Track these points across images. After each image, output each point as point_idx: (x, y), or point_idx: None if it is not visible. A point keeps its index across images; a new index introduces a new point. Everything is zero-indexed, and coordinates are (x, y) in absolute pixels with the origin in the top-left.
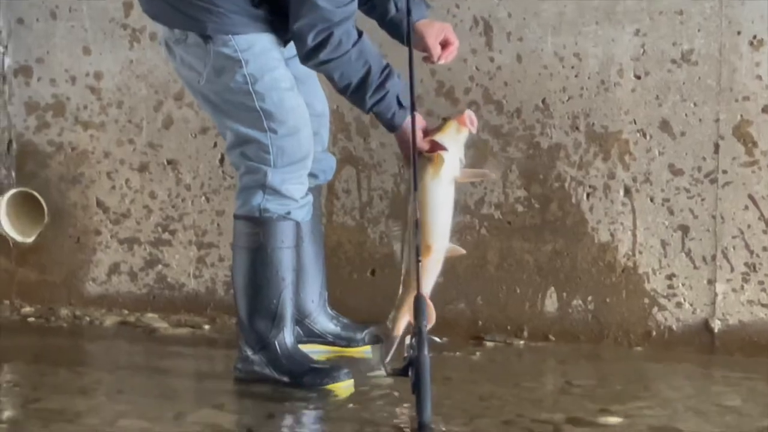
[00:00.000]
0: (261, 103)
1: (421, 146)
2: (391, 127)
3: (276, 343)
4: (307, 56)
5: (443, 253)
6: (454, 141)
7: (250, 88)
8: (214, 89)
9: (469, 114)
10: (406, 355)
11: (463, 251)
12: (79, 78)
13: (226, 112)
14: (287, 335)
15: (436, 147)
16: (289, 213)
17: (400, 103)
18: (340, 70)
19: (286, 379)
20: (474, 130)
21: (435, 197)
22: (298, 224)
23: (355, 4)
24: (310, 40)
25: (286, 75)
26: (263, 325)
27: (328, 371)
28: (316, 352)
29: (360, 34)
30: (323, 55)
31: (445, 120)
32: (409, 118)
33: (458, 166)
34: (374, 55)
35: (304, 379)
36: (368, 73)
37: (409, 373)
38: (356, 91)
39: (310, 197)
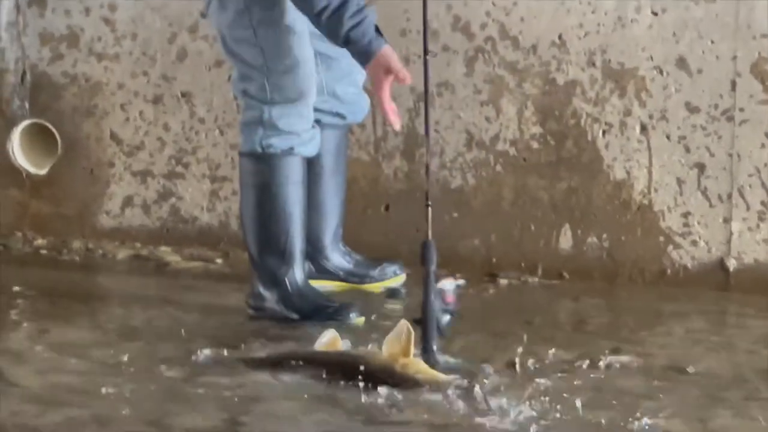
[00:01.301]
0: (260, 39)
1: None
2: (367, 53)
3: (286, 279)
4: None
5: None
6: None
7: (251, 23)
8: (222, 21)
9: None
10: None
11: None
12: (94, 9)
13: (231, 46)
14: (297, 272)
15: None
16: (292, 148)
17: (378, 31)
18: None
19: (295, 316)
20: None
21: None
22: (306, 160)
23: None
24: None
25: (288, 12)
26: (273, 262)
27: (338, 309)
28: (327, 288)
29: None
30: None
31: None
32: (385, 47)
33: None
34: None
35: (313, 317)
36: None
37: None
38: (335, 12)
39: (316, 131)
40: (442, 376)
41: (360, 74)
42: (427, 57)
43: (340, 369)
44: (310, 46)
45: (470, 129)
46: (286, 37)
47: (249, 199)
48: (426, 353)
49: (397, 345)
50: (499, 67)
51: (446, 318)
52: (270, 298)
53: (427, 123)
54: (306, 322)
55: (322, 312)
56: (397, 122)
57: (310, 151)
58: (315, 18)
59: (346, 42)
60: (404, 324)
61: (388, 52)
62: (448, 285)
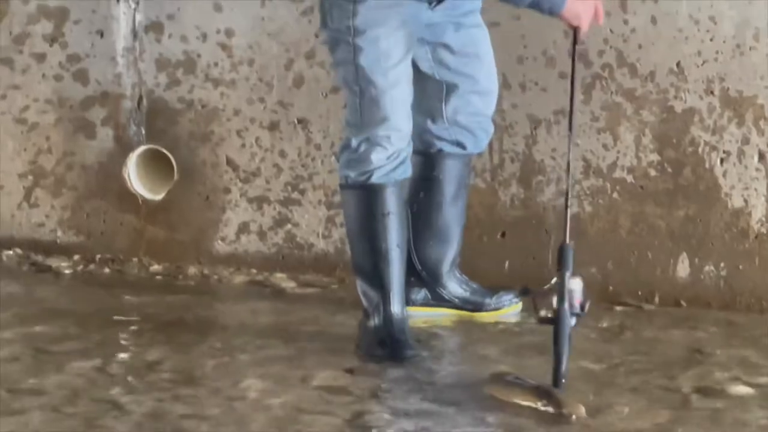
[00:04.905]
0: (357, 57)
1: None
2: (558, 6)
3: (383, 311)
4: None
5: None
6: None
7: (351, 40)
8: (327, 39)
9: None
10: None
11: None
12: (210, 35)
13: (335, 65)
14: (394, 305)
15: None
16: (369, 178)
17: None
18: None
19: (391, 349)
20: None
21: None
22: (397, 189)
23: None
24: None
25: (393, 36)
26: (371, 293)
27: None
28: (442, 315)
29: None
30: None
31: None
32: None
33: None
34: None
35: (406, 352)
36: None
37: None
38: None
39: (400, 158)
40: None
41: (483, 103)
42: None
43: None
44: (406, 72)
45: (587, 156)
46: (381, 60)
47: (346, 230)
48: (557, 367)
49: None
50: (617, 94)
51: (572, 321)
52: (370, 328)
53: (569, 161)
54: (399, 356)
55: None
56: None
57: (396, 176)
58: None
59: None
60: None
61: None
62: (576, 285)
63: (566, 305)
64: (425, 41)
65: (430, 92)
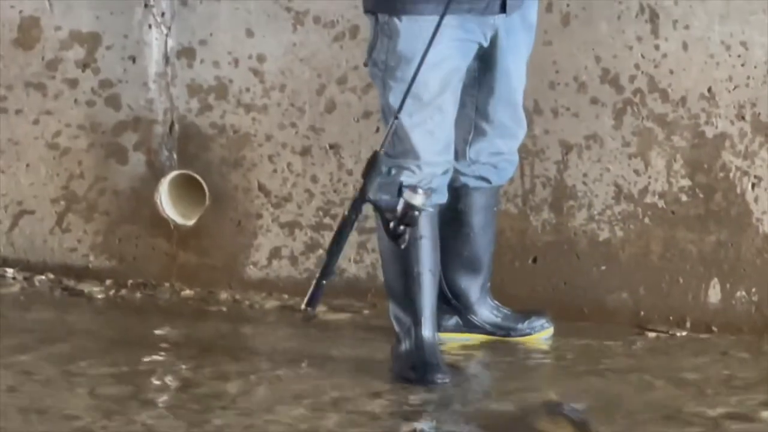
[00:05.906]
0: (387, 94)
1: None
2: None
3: (414, 335)
4: None
5: None
6: None
7: (383, 76)
8: (369, 67)
9: None
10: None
11: None
12: (242, 60)
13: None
14: (426, 329)
15: None
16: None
17: None
18: None
19: (422, 373)
20: None
21: None
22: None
23: None
24: None
25: (426, 75)
26: (403, 317)
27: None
28: (474, 340)
29: None
30: None
31: None
32: None
33: None
34: None
35: (438, 377)
36: None
37: None
38: None
39: (434, 182)
40: None
41: (507, 146)
42: None
43: None
44: (439, 111)
45: (618, 182)
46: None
47: (380, 251)
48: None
49: None
50: (648, 119)
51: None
52: (401, 352)
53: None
54: (428, 381)
55: (446, 372)
56: None
57: (430, 201)
58: None
59: None
60: None
61: None
62: (415, 200)
63: (354, 215)
64: (476, 74)
65: (457, 130)
